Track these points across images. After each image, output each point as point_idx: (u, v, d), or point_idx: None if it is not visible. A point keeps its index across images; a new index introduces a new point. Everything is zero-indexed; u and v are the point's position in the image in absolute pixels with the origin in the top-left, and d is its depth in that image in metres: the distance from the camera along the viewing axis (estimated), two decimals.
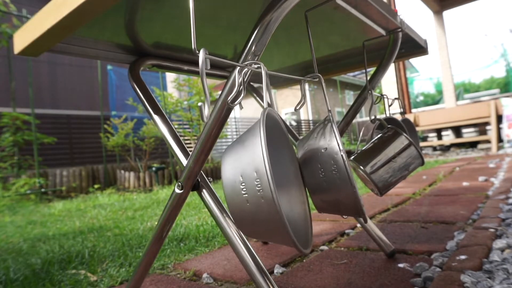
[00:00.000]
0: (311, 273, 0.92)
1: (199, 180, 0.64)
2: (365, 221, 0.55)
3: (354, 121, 7.34)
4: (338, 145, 0.53)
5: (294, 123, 12.12)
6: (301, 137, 0.63)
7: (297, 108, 0.56)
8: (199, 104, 0.44)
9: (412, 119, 6.03)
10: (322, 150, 0.54)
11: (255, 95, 1.10)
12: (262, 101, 1.07)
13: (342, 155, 0.52)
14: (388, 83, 7.19)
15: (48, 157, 5.35)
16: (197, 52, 0.39)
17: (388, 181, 0.81)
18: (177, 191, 0.63)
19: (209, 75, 0.91)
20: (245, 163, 0.40)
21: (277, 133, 0.51)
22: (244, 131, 0.47)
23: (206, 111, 0.41)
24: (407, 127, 0.96)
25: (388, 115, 0.94)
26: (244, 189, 0.40)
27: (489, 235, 1.02)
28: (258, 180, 0.39)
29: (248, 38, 0.51)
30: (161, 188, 4.33)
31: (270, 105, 0.46)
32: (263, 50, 0.51)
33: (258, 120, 0.41)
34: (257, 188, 0.39)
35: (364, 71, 0.93)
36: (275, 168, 0.54)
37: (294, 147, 0.61)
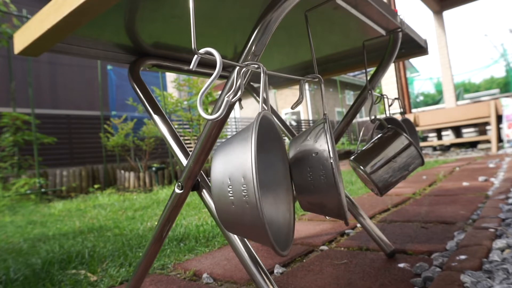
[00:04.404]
0: (311, 273, 0.92)
1: (199, 180, 0.64)
2: (347, 225, 0.56)
3: (354, 121, 7.34)
4: (329, 152, 0.53)
5: (294, 123, 12.12)
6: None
7: (293, 106, 0.56)
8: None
9: (412, 119, 6.03)
10: (313, 154, 0.54)
11: (254, 95, 1.10)
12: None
13: (331, 163, 0.52)
14: (388, 83, 7.20)
15: (48, 157, 5.35)
16: (197, 51, 0.39)
17: (388, 181, 0.81)
18: (177, 191, 0.63)
19: (209, 75, 0.91)
20: (234, 166, 0.41)
21: (271, 134, 0.51)
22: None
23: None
24: (407, 127, 0.96)
25: (388, 115, 0.94)
26: (231, 192, 0.41)
27: (489, 235, 1.02)
28: (245, 186, 0.40)
29: (248, 38, 0.51)
30: (161, 188, 4.33)
31: (266, 107, 0.46)
32: (263, 50, 0.51)
33: (252, 124, 0.42)
34: (243, 193, 0.40)
35: (364, 71, 0.93)
36: (265, 168, 0.54)
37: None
